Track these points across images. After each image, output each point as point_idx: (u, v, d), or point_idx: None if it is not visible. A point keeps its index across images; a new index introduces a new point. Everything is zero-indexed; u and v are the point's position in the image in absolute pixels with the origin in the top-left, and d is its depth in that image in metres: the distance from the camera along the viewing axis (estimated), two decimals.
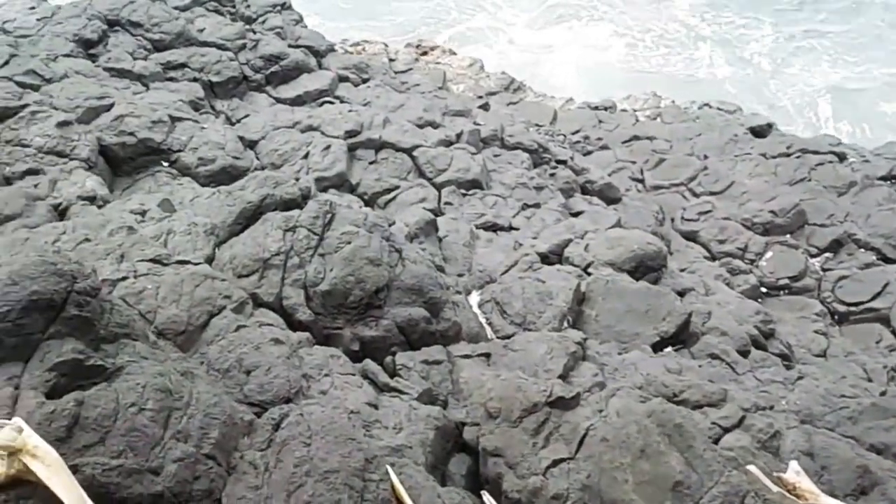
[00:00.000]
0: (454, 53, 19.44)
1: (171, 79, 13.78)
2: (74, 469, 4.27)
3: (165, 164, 12.05)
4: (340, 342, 6.86)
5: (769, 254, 12.91)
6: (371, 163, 12.28)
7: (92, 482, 4.28)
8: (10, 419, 4.35)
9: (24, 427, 4.30)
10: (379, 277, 7.01)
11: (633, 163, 15.59)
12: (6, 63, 13.06)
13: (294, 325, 6.88)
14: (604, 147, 16.11)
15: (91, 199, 10.77)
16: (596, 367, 7.11)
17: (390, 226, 7.92)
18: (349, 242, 7.20)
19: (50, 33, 14.03)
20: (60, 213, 10.45)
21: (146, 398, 4.75)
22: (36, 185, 10.91)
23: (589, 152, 15.78)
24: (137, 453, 4.49)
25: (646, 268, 9.74)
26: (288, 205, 7.81)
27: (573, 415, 5.78)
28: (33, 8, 15.31)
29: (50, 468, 4.19)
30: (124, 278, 6.57)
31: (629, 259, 9.65)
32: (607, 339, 7.94)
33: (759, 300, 11.71)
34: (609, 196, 13.50)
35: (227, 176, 11.60)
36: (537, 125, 16.05)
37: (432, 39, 21.64)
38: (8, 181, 11.15)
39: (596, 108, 17.71)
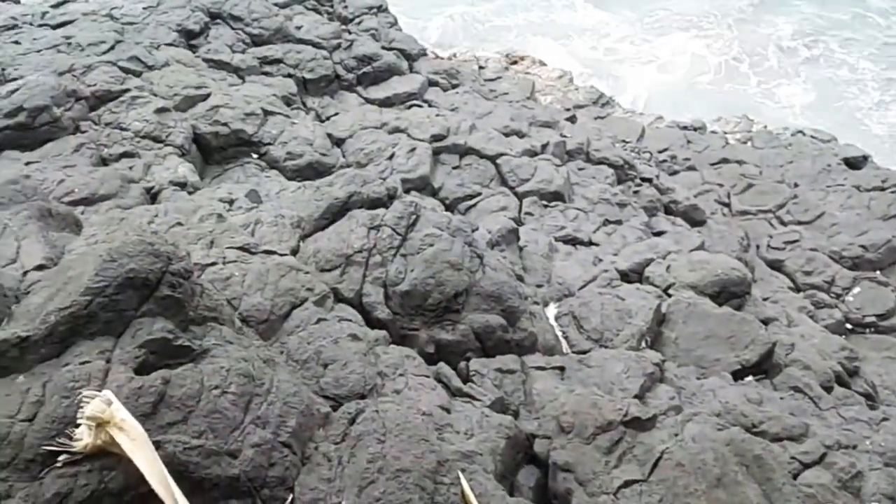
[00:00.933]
0: (544, 64, 19.38)
1: (266, 73, 14.11)
2: (157, 445, 4.37)
3: (255, 155, 12.33)
4: (416, 343, 6.89)
5: (857, 289, 12.45)
6: (454, 168, 12.32)
7: (172, 459, 4.38)
8: (100, 391, 4.51)
9: (113, 400, 4.44)
10: (459, 282, 7.02)
11: (720, 186, 15.25)
12: (112, 48, 13.59)
13: (372, 322, 6.94)
14: (691, 168, 15.82)
15: (182, 185, 11.10)
16: (673, 390, 6.96)
17: (473, 231, 7.93)
18: (432, 245, 7.23)
19: (154, 22, 14.53)
20: (152, 196, 10.81)
21: (229, 382, 4.85)
22: (131, 168, 11.31)
23: (675, 172, 15.51)
24: (217, 435, 4.58)
25: (729, 293, 9.52)
26: (374, 203, 7.89)
27: (648, 436, 5.68)
28: None
29: (134, 442, 4.32)
30: (213, 264, 6.74)
31: (712, 283, 9.45)
32: (686, 362, 7.78)
33: (844, 336, 11.30)
34: (693, 218, 13.23)
35: (313, 171, 11.81)
36: (624, 141, 15.87)
37: (523, 49, 21.61)
38: (105, 162, 11.57)
39: (685, 127, 17.41)
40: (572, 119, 16.12)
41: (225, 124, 12.31)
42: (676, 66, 24.78)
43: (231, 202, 10.15)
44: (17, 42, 13.91)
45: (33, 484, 4.29)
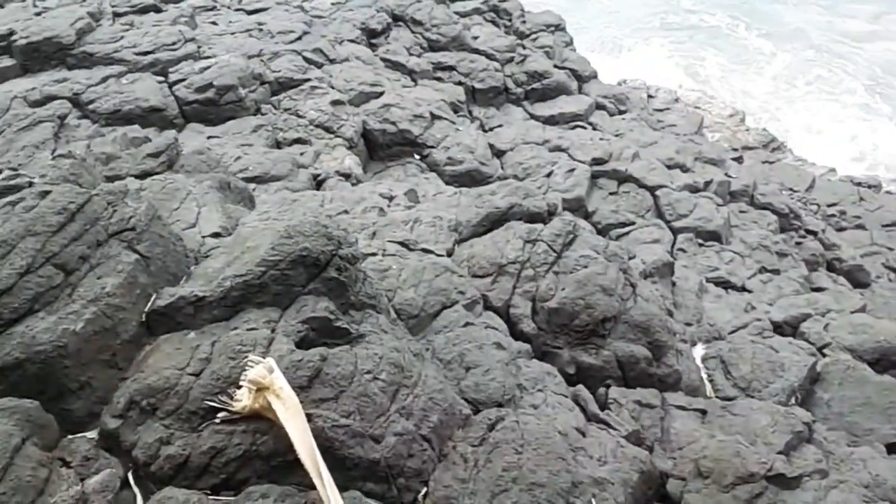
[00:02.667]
0: (714, 99, 18.88)
1: (438, 78, 14.47)
2: (308, 418, 4.56)
3: (417, 157, 12.66)
4: (557, 361, 6.86)
5: None
6: (611, 193, 12.20)
7: (320, 434, 4.55)
8: (264, 358, 4.75)
9: (275, 368, 4.67)
10: (609, 307, 6.94)
11: (891, 250, 14.33)
12: (299, 38, 14.31)
13: (516, 334, 6.97)
14: (860, 227, 14.94)
15: (346, 176, 11.54)
16: (821, 453, 6.60)
17: (629, 259, 7.82)
18: (586, 266, 7.18)
19: (341, 18, 15.20)
20: (318, 183, 11.29)
21: (381, 369, 5.00)
22: (301, 154, 11.86)
23: (843, 229, 14.70)
24: (364, 418, 4.73)
25: (889, 362, 8.93)
26: (533, 217, 7.93)
27: (791, 496, 5.43)
28: None
29: (289, 411, 4.52)
30: (373, 254, 6.98)
31: (873, 349, 8.90)
32: (837, 427, 7.36)
33: None
34: (857, 279, 12.51)
35: (471, 179, 11.99)
36: (791, 189, 15.19)
37: (692, 80, 21.15)
38: (279, 145, 12.20)
39: (859, 183, 16.47)
40: (739, 160, 15.62)
41: (393, 123, 12.69)
42: (858, 121, 23.49)
43: (391, 198, 10.45)
44: (214, 23, 14.90)
45: (192, 435, 4.56)
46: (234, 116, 12.38)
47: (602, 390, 6.77)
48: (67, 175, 5.90)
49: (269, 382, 4.57)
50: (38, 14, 13.98)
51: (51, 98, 11.18)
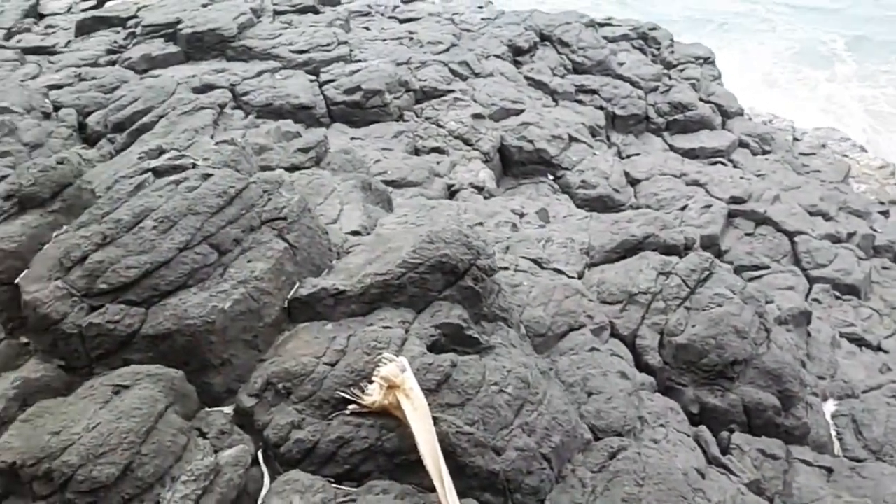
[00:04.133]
0: (864, 150, 17.96)
1: (579, 101, 14.39)
2: (434, 422, 4.61)
3: (550, 177, 12.60)
4: (681, 399, 6.68)
5: None
6: (747, 234, 11.78)
7: (444, 439, 4.59)
8: (397, 357, 4.84)
9: (407, 368, 4.75)
10: (741, 350, 6.71)
11: None
12: (447, 50, 14.55)
13: (641, 365, 6.83)
14: None
15: (479, 189, 11.63)
16: None
17: (766, 303, 7.54)
18: (720, 305, 6.97)
19: (489, 33, 15.36)
20: (451, 192, 11.42)
21: (508, 382, 5.01)
22: (438, 163, 12.02)
23: None
24: (488, 429, 4.74)
25: None
26: (668, 249, 7.76)
27: None
28: (481, 7, 16.91)
29: (417, 412, 4.58)
30: (505, 268, 7.00)
31: None
32: None
33: None
34: None
35: (602, 205, 11.84)
36: None
37: (840, 130, 20.17)
38: (417, 152, 12.42)
39: None
40: (886, 214, 14.78)
41: (531, 141, 12.69)
42: None
43: (522, 215, 10.44)
44: (367, 28, 15.36)
45: (322, 422, 4.70)
46: (377, 120, 12.69)
47: (725, 434, 6.54)
48: (228, 161, 6.21)
49: (400, 381, 4.66)
50: (203, 6, 14.80)
51: (209, 87, 11.78)
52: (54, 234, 5.33)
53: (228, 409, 4.88)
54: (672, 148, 13.74)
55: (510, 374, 5.08)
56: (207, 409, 4.86)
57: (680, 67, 15.20)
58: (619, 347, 6.84)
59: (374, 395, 4.71)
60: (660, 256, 7.61)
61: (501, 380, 5.01)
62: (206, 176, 5.66)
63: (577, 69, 14.98)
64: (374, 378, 4.74)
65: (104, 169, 6.32)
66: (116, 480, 4.02)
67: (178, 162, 5.96)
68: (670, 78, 14.76)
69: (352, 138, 12.16)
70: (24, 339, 4.95)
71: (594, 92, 14.31)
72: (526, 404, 5.01)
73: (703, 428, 6.46)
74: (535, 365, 5.38)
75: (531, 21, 15.82)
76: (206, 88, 11.68)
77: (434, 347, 5.15)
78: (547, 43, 15.55)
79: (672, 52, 15.51)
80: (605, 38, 15.42)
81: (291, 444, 4.62)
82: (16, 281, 5.06)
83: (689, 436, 6.21)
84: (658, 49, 15.58)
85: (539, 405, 5.05)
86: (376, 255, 5.72)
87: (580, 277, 7.61)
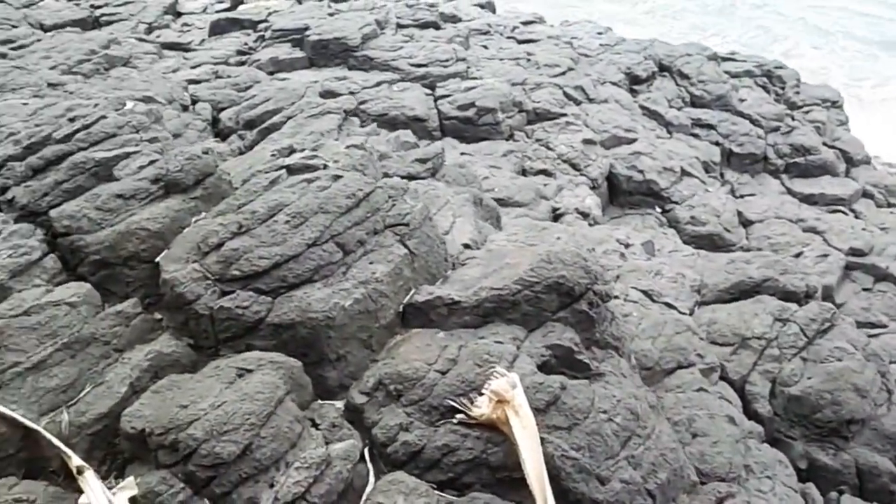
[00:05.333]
0: None
1: (694, 135, 14.14)
2: (540, 442, 4.60)
3: (658, 209, 12.42)
4: (789, 452, 6.46)
5: None
6: (865, 289, 11.30)
7: (549, 461, 4.56)
8: (508, 372, 4.86)
9: (518, 385, 4.76)
10: (858, 409, 6.45)
11: None
12: (563, 73, 14.55)
13: (749, 412, 6.63)
14: None
15: (585, 216, 11.55)
16: None
17: (890, 364, 7.23)
18: (840, 360, 6.72)
19: (607, 59, 15.29)
20: (556, 216, 11.40)
21: (617, 412, 4.96)
22: (545, 185, 12.02)
23: None
24: (594, 456, 4.70)
25: None
26: (787, 296, 7.53)
27: None
28: (600, 33, 16.86)
29: (524, 430, 4.59)
30: (615, 297, 6.93)
31: None
32: None
33: None
34: None
35: (711, 243, 11.59)
36: None
37: None
38: (524, 172, 12.45)
39: None
40: None
41: (641, 172, 12.55)
42: None
43: (627, 245, 10.34)
44: (485, 47, 15.52)
45: (429, 428, 4.75)
46: (487, 138, 12.78)
47: (834, 495, 6.30)
48: (357, 164, 6.38)
49: (510, 397, 4.67)
50: (331, 14, 15.26)
51: (330, 93, 12.12)
52: (194, 219, 5.58)
53: (339, 404, 4.99)
54: (790, 191, 13.33)
55: (619, 403, 5.03)
56: (320, 401, 4.98)
57: (805, 109, 14.75)
58: (728, 391, 6.67)
59: (482, 407, 4.73)
60: (777, 302, 7.40)
61: (610, 408, 4.96)
62: (337, 177, 5.83)
63: (696, 102, 14.74)
64: (484, 391, 4.77)
65: (239, 162, 6.59)
66: (236, 459, 4.17)
67: (310, 162, 6.16)
68: (793, 119, 14.34)
69: (461, 153, 12.29)
70: (157, 315, 5.19)
71: (711, 127, 14.04)
72: (633, 437, 4.94)
73: (810, 485, 6.24)
74: (644, 398, 5.31)
75: (651, 50, 15.67)
76: (328, 94, 12.02)
77: (544, 367, 5.14)
78: (666, 74, 15.37)
79: (797, 92, 15.08)
80: (727, 72, 15.13)
81: (398, 446, 4.68)
82: (156, 259, 5.32)
83: (796, 491, 5.99)
84: (783, 88, 15.17)
85: (647, 439, 4.98)
86: (492, 269, 5.76)
87: (690, 314, 7.48)
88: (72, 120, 6.46)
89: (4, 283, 5.11)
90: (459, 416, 4.76)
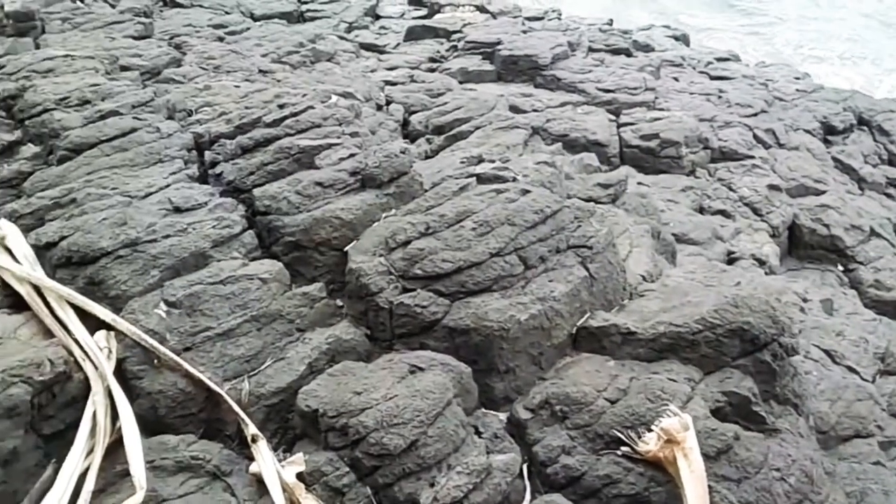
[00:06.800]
0: None
1: (888, 195, 13.27)
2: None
3: (840, 268, 11.70)
4: None
5: None
6: None
7: None
8: (681, 413, 4.71)
9: (690, 427, 4.60)
10: None
11: None
12: (755, 115, 14.02)
13: None
14: None
15: (761, 263, 11.04)
16: None
17: None
18: None
19: (803, 106, 14.61)
20: (730, 259, 10.96)
21: (791, 472, 4.69)
22: (722, 226, 11.60)
23: None
24: None
25: None
26: None
27: None
28: (798, 78, 16.14)
29: (692, 475, 4.42)
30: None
31: None
32: None
33: None
34: None
35: (895, 310, 10.81)
36: None
37: None
38: (702, 211, 12.07)
39: None
40: None
41: (826, 226, 11.86)
42: None
43: (805, 300, 9.80)
44: (675, 79, 15.18)
45: (591, 456, 4.67)
46: (667, 171, 12.49)
47: None
48: (545, 181, 6.39)
49: (681, 438, 4.52)
50: (524, 32, 15.41)
51: (514, 108, 12.21)
52: (384, 214, 5.77)
53: (503, 416, 5.00)
54: None
55: (794, 464, 4.76)
56: (484, 409, 5.01)
57: None
58: None
59: (650, 444, 4.60)
60: None
61: (784, 467, 4.70)
62: (525, 191, 5.86)
63: (893, 161, 13.83)
64: (654, 427, 4.64)
65: (429, 165, 6.75)
66: (401, 453, 4.25)
67: (500, 173, 6.23)
68: None
69: (638, 182, 12.07)
70: (339, 302, 5.39)
71: None
72: (805, 501, 4.66)
73: None
74: (820, 462, 5.00)
75: (851, 102, 14.84)
76: (512, 109, 12.13)
77: (717, 414, 4.94)
78: (864, 128, 14.51)
79: None
80: None
81: (559, 468, 4.63)
82: (345, 248, 5.54)
83: None
84: None
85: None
86: (672, 305, 5.61)
87: (872, 382, 6.98)
88: (281, 106, 6.84)
89: (206, 252, 5.44)
90: (625, 448, 4.66)
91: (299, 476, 4.31)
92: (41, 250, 5.25)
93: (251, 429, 4.52)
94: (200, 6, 14.41)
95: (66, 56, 8.07)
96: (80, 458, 4.17)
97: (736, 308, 5.27)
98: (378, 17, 16.59)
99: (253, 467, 4.37)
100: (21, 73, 7.72)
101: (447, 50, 14.47)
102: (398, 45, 14.72)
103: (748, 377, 5.15)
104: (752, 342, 5.19)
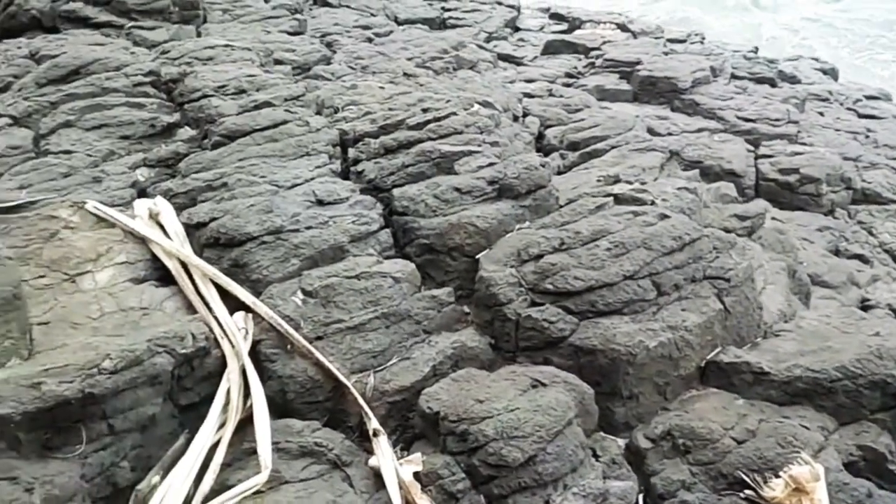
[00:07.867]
0: None
1: None
2: None
3: None
4: None
5: None
6: None
7: None
8: (813, 462, 4.50)
9: (822, 478, 4.40)
10: None
11: None
12: None
13: None
14: None
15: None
16: None
17: None
18: None
19: None
20: (864, 307, 10.39)
21: None
22: (859, 271, 11.02)
23: None
24: None
25: None
26: None
27: None
28: None
29: None
30: None
31: None
32: None
33: None
34: None
35: None
36: None
37: None
38: (837, 253, 11.50)
39: None
40: None
41: None
42: None
43: None
44: (821, 113, 14.54)
45: (712, 495, 4.53)
46: (804, 208, 11.95)
47: None
48: (685, 208, 6.25)
49: (811, 488, 4.33)
50: (665, 53, 15.12)
51: (650, 130, 11.98)
52: (518, 225, 5.78)
53: (622, 442, 4.91)
54: None
55: None
56: (603, 433, 4.94)
57: None
58: None
59: (776, 490, 4.42)
60: None
61: None
62: (664, 216, 5.74)
63: None
64: (782, 473, 4.46)
65: (565, 181, 6.71)
66: (519, 466, 4.23)
67: (639, 195, 6.12)
68: None
69: (773, 218, 11.62)
70: (466, 308, 5.42)
71: None
72: None
73: None
74: None
75: None
76: (648, 132, 11.91)
77: (850, 467, 4.71)
78: None
79: None
80: None
81: (677, 503, 4.51)
82: (477, 256, 5.57)
83: None
84: None
85: None
86: (809, 348, 5.38)
87: None
88: (425, 110, 6.94)
89: (344, 246, 5.57)
90: (749, 492, 4.49)
91: (416, 475, 4.35)
92: (191, 229, 5.51)
93: (373, 423, 4.60)
94: (348, 7, 14.81)
95: (226, 46, 8.46)
96: (212, 432, 4.35)
97: (880, 360, 5.01)
98: (517, 29, 16.65)
99: (372, 461, 4.44)
100: (183, 58, 8.14)
101: (584, 66, 14.35)
102: (535, 57, 14.70)
103: (886, 433, 4.89)
104: (895, 396, 4.92)
